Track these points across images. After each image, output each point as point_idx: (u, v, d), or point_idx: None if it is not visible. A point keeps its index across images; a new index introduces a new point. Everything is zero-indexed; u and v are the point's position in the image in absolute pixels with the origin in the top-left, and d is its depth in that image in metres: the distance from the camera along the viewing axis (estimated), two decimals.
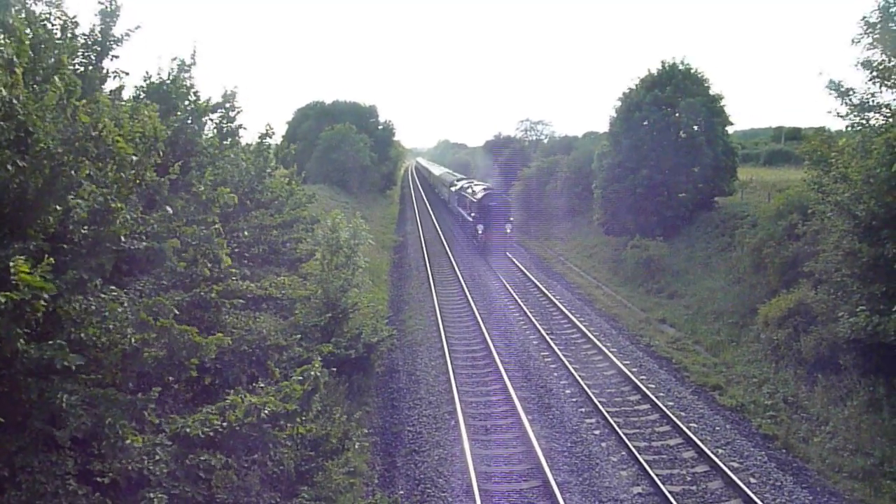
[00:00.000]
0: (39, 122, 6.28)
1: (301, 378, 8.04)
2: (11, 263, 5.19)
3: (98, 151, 6.65)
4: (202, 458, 6.78)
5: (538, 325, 23.51)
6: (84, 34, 9.34)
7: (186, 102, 11.77)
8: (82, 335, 5.91)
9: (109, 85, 9.87)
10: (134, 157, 7.15)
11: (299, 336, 11.87)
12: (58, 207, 6.19)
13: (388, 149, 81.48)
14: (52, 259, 5.48)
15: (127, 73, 9.71)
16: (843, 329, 14.95)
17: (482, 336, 22.18)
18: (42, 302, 5.28)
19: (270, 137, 16.25)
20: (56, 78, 6.75)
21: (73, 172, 6.31)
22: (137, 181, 7.44)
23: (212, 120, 13.22)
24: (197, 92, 12.30)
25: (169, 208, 7.88)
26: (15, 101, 6.01)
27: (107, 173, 6.74)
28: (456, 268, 34.67)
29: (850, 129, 16.44)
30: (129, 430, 5.99)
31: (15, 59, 6.38)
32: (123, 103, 8.79)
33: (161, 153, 8.46)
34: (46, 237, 6.11)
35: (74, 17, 9.14)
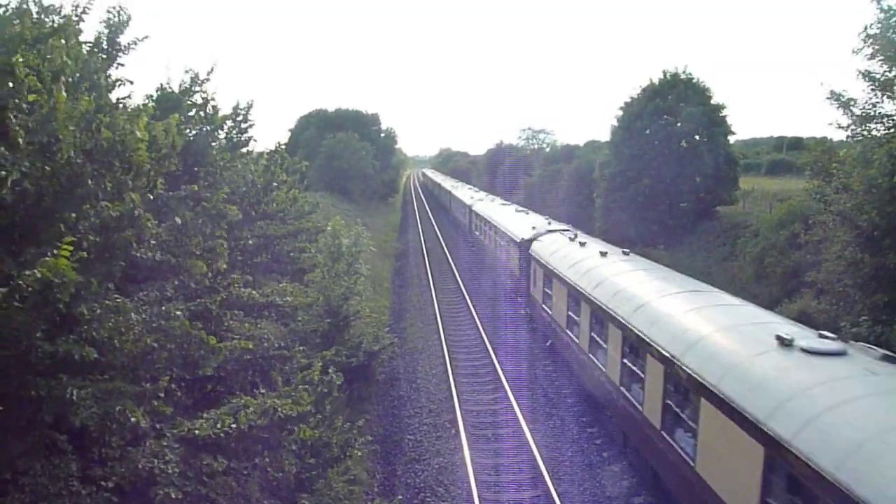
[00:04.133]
0: (66, 131, 6.43)
1: (307, 385, 8.06)
2: (54, 251, 5.31)
3: (119, 163, 6.78)
4: (205, 461, 6.82)
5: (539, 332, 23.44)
6: (90, 42, 9.42)
7: (201, 114, 11.95)
8: (94, 335, 6.00)
9: (116, 93, 9.94)
10: (147, 166, 7.26)
11: (303, 348, 11.90)
12: (73, 215, 6.30)
13: (390, 156, 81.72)
14: (84, 254, 5.63)
15: (132, 82, 9.77)
16: (846, 339, 14.93)
17: (483, 344, 22.14)
18: (66, 294, 5.41)
19: (279, 154, 16.58)
20: (86, 95, 6.88)
21: (90, 183, 6.45)
22: (149, 189, 7.55)
23: (222, 129, 13.42)
24: (216, 106, 12.50)
25: (178, 219, 7.97)
26: (54, 111, 6.20)
27: (125, 183, 6.86)
28: (457, 275, 34.64)
29: (851, 139, 16.50)
30: (137, 412, 6.05)
31: (65, 69, 6.65)
32: (142, 110, 8.87)
33: (176, 164, 8.59)
34: (60, 243, 6.21)
35: (79, 19, 9.22)
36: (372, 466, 14.08)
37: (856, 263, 15.00)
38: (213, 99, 12.38)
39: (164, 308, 7.10)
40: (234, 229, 12.22)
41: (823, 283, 17.43)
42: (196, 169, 10.55)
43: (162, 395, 6.72)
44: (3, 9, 7.19)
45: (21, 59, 6.27)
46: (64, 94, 6.48)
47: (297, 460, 9.09)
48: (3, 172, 5.85)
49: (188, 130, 11.24)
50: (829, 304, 16.89)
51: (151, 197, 7.84)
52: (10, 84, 6.36)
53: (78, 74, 7.62)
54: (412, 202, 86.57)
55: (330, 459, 9.94)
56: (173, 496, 6.02)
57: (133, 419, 5.98)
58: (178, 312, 7.21)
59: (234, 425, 6.97)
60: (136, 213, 6.74)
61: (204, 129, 11.83)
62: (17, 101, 6.32)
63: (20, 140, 6.20)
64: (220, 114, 12.99)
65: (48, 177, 6.23)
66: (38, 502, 5.58)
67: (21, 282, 5.22)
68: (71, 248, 5.44)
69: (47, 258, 5.31)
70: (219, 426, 6.88)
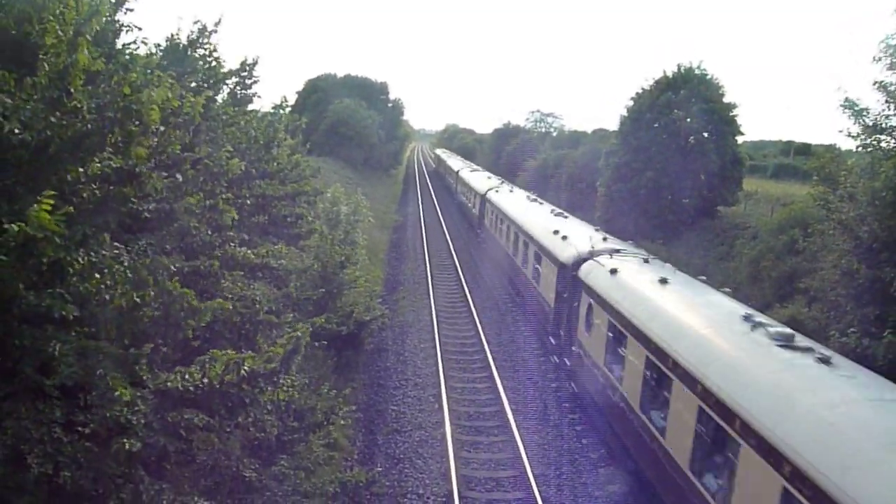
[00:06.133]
0: (80, 83, 6.39)
1: (284, 342, 8.08)
2: (35, 206, 5.27)
3: (130, 120, 6.73)
4: (185, 415, 6.84)
5: (529, 315, 23.55)
6: None
7: (205, 66, 11.80)
8: (81, 288, 5.97)
9: (123, 39, 9.79)
10: (161, 128, 7.18)
11: (291, 316, 11.88)
12: (80, 168, 6.25)
13: (396, 128, 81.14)
14: (71, 208, 5.58)
15: (140, 28, 9.61)
16: (834, 347, 15.01)
17: (471, 314, 22.24)
18: (51, 248, 5.38)
19: (283, 109, 16.38)
20: (87, 40, 6.81)
21: (99, 138, 6.41)
22: (159, 150, 7.49)
23: (227, 84, 13.25)
24: (218, 58, 12.34)
25: (179, 175, 7.90)
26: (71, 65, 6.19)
27: (133, 139, 6.80)
28: (452, 249, 34.67)
29: (860, 149, 16.42)
30: (119, 381, 6.07)
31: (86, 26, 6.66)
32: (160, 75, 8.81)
33: (189, 138, 8.53)
34: (59, 192, 6.17)
35: None
36: (353, 434, 14.21)
37: (851, 273, 15.02)
38: (215, 51, 12.22)
39: (149, 260, 7.06)
40: (234, 187, 12.13)
41: (817, 291, 17.48)
42: (197, 122, 10.45)
43: (144, 361, 6.71)
44: None
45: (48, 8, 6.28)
46: (86, 53, 6.45)
47: (279, 422, 9.15)
48: (7, 116, 5.80)
49: (192, 83, 11.08)
50: (820, 311, 16.94)
51: (160, 158, 7.77)
52: (38, 26, 6.35)
53: (83, 20, 7.51)
54: (415, 184, 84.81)
55: (313, 424, 10.00)
56: (127, 447, 6.04)
57: (116, 393, 5.99)
58: (172, 266, 7.19)
59: (204, 380, 6.97)
60: (138, 170, 6.68)
61: (206, 83, 11.67)
62: (46, 41, 6.31)
63: (43, 82, 6.18)
64: (226, 68, 12.84)
65: (55, 127, 6.17)
66: (20, 446, 5.60)
67: (5, 237, 5.18)
68: (52, 202, 5.38)
69: (31, 210, 5.25)
70: (189, 379, 6.88)
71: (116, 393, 5.96)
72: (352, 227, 19.67)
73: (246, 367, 7.34)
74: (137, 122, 6.73)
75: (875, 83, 15.51)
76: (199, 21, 12.19)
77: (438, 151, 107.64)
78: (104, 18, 7.80)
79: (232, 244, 10.49)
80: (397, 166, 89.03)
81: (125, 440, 6.09)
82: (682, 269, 15.86)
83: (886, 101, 15.43)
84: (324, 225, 17.92)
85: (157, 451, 6.69)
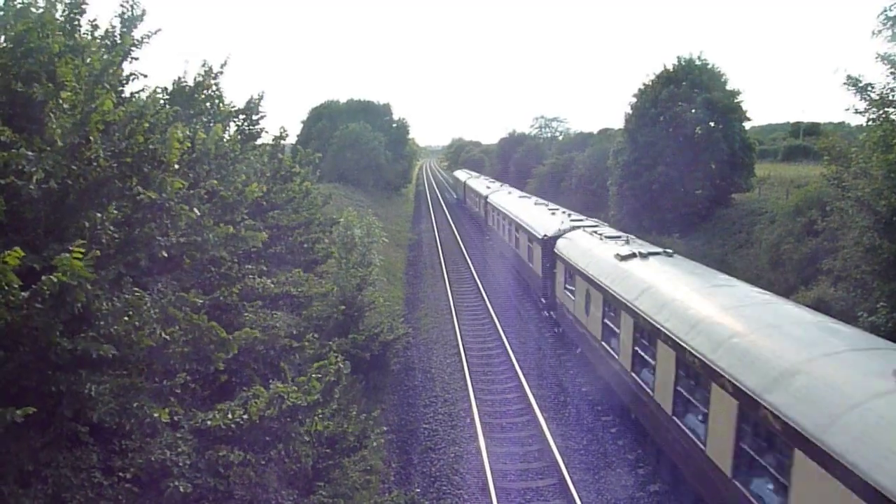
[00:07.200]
0: (97, 133, 6.59)
1: (319, 375, 8.11)
2: (65, 254, 5.43)
3: (149, 164, 6.90)
4: (220, 453, 6.89)
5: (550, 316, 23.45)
6: (103, 37, 9.48)
7: (209, 106, 12.02)
8: (112, 331, 6.09)
9: (129, 87, 10.02)
10: (176, 166, 7.35)
11: (313, 335, 11.98)
12: (98, 214, 6.41)
13: (402, 147, 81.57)
14: (97, 252, 5.73)
15: (146, 76, 9.84)
16: (863, 327, 14.77)
17: (495, 329, 22.18)
18: (82, 294, 5.53)
19: (284, 140, 16.56)
20: (104, 90, 7.00)
21: (117, 182, 6.57)
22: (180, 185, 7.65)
23: (235, 122, 13.46)
24: (221, 96, 12.55)
25: (196, 210, 8.05)
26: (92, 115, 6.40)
27: (154, 179, 6.96)
28: (470, 264, 34.66)
29: (870, 123, 16.23)
30: (155, 408, 6.17)
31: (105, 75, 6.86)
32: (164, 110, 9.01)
33: (207, 171, 8.68)
34: (82, 238, 6.32)
35: (95, 19, 9.33)
36: (388, 455, 14.19)
37: (874, 250, 14.80)
38: (218, 92, 12.43)
39: (175, 296, 7.17)
40: (248, 217, 12.31)
41: (840, 271, 17.24)
42: (212, 156, 10.63)
43: (178, 391, 6.82)
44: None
45: (64, 62, 6.47)
46: (112, 100, 6.64)
47: (313, 451, 9.18)
48: (30, 170, 5.96)
49: (199, 125, 11.30)
50: (846, 291, 16.70)
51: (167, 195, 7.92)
52: (51, 85, 6.53)
53: (99, 72, 7.71)
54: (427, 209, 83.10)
55: (346, 449, 10.03)
56: (182, 489, 6.08)
57: (156, 415, 6.11)
58: (197, 301, 7.30)
59: (244, 416, 7.04)
60: (168, 205, 6.83)
61: (212, 122, 11.89)
62: (57, 101, 6.48)
63: (57, 138, 6.36)
64: (233, 107, 13.06)
65: (74, 175, 6.33)
66: (61, 493, 5.69)
67: (42, 286, 5.32)
68: (83, 250, 5.53)
69: (64, 256, 5.39)
70: (230, 417, 6.95)
71: (156, 415, 6.08)
72: (367, 250, 19.78)
73: (289, 402, 7.40)
74: (158, 163, 6.88)
75: (878, 56, 15.37)
76: (206, 63, 12.41)
77: (462, 175, 69.24)
78: (114, 70, 8.01)
79: (251, 276, 10.62)
80: (407, 185, 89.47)
81: (174, 482, 6.16)
82: (701, 261, 15.80)
83: (892, 73, 15.26)
84: (339, 250, 18.06)
85: (197, 491, 6.75)
